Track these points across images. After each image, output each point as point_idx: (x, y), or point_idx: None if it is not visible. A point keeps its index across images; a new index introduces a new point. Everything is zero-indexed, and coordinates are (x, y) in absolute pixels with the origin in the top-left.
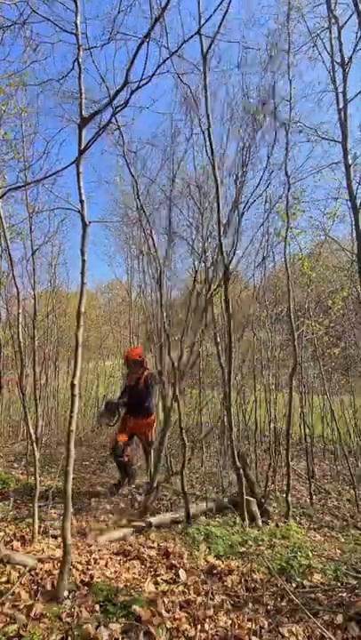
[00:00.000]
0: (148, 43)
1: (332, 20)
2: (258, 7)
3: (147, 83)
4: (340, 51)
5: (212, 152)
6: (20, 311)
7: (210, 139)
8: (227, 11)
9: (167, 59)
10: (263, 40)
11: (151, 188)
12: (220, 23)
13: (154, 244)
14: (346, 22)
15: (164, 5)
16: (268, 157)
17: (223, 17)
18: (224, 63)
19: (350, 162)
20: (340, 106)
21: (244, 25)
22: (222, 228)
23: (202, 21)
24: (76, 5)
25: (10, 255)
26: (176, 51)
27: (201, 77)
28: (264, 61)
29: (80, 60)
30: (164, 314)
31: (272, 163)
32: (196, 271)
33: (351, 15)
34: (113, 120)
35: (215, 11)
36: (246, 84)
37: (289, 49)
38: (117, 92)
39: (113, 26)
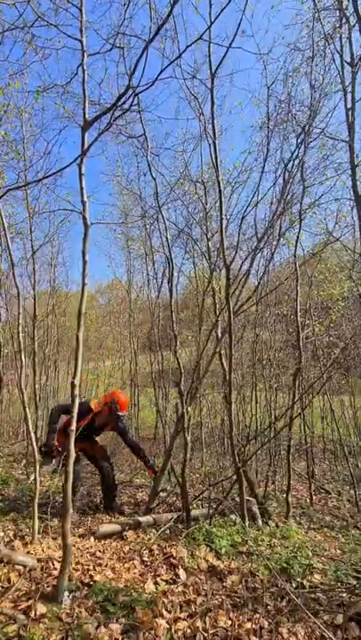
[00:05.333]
0: (148, 51)
1: (343, 20)
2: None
3: (150, 87)
4: (351, 50)
5: (217, 164)
6: (20, 311)
7: (215, 151)
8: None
9: (170, 63)
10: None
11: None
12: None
13: (168, 245)
14: (357, 22)
15: (166, 17)
16: (292, 160)
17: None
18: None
19: (356, 162)
20: (349, 106)
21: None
22: (225, 231)
23: (208, 27)
24: (81, 13)
25: (10, 255)
26: (179, 56)
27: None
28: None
29: (84, 65)
30: (173, 315)
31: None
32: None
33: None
34: (132, 124)
35: (221, 11)
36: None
37: (313, 55)
38: (120, 96)
39: (117, 35)
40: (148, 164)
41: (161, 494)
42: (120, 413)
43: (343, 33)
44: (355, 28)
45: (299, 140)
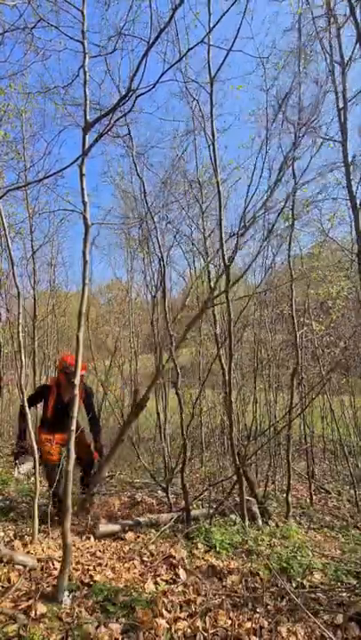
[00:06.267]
0: (148, 55)
1: (332, 20)
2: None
3: (150, 90)
4: (340, 50)
5: (216, 166)
6: (20, 311)
7: (214, 152)
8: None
9: (171, 66)
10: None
11: (156, 187)
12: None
13: (159, 246)
14: (345, 22)
15: (167, 22)
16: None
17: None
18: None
19: (350, 161)
20: (340, 106)
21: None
22: (224, 231)
23: (208, 32)
24: (83, 14)
25: (10, 255)
26: (180, 58)
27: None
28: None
29: (86, 67)
30: (169, 315)
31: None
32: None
33: (350, 16)
34: (124, 126)
35: (221, 17)
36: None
37: (300, 53)
38: (122, 98)
39: (119, 36)
40: (134, 163)
41: (159, 493)
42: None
43: (332, 33)
44: (344, 27)
45: (286, 136)
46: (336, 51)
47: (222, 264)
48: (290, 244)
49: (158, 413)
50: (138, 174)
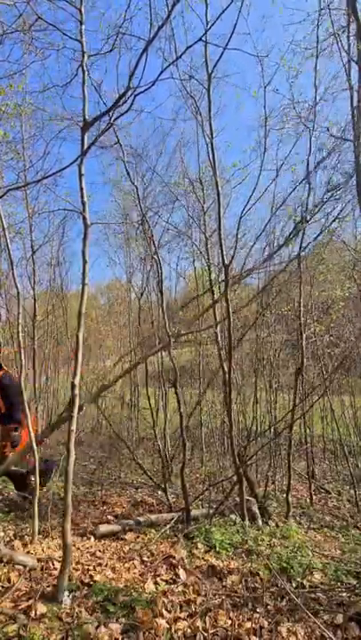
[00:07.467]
0: (148, 52)
1: (351, 18)
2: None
3: (149, 88)
4: (358, 47)
5: (215, 164)
6: (20, 311)
7: (212, 150)
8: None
9: (170, 64)
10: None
11: (154, 188)
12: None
13: (155, 249)
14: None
15: (165, 19)
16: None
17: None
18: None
19: None
20: (355, 104)
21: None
22: (223, 231)
23: (206, 30)
24: (81, 14)
25: (10, 255)
26: (179, 57)
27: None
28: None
29: (84, 66)
30: (165, 316)
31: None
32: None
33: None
34: (113, 135)
35: (220, 15)
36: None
37: (317, 53)
38: (120, 97)
39: (117, 35)
40: (127, 171)
41: (159, 493)
42: None
43: (351, 31)
44: None
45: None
46: (353, 49)
47: (222, 265)
48: (300, 247)
49: (158, 413)
50: (131, 181)
